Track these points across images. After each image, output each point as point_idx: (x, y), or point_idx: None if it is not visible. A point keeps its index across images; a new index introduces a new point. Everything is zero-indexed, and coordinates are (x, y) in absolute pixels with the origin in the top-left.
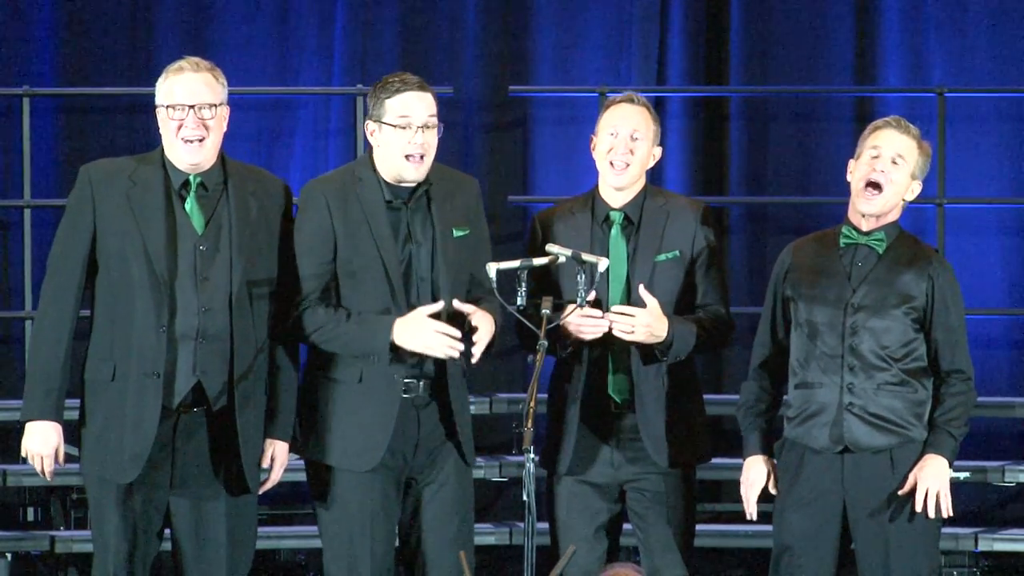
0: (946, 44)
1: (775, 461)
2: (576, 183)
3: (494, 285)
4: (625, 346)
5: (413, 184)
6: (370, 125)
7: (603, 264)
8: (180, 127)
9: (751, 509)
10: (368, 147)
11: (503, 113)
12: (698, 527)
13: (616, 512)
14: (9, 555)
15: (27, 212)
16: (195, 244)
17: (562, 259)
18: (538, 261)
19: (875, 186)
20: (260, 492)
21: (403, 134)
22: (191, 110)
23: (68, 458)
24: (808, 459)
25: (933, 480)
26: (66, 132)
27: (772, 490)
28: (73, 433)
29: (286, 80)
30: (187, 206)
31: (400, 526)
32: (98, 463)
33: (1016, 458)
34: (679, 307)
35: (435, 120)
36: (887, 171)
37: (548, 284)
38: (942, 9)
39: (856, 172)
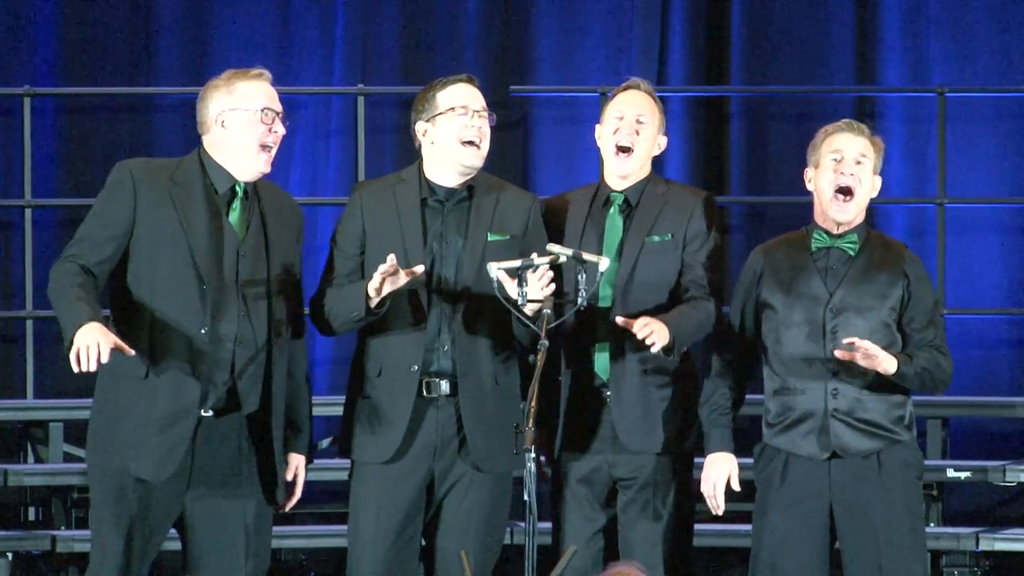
0: (946, 44)
1: (734, 457)
2: (576, 183)
3: (495, 285)
4: (608, 326)
5: (467, 172)
6: (420, 126)
7: (603, 264)
8: (269, 132)
9: (719, 503)
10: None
11: (503, 113)
12: (698, 527)
13: (613, 512)
14: (9, 555)
15: (27, 212)
16: (237, 249)
17: (563, 259)
18: (538, 260)
19: (846, 191)
20: (287, 509)
21: (460, 119)
22: (277, 117)
23: (70, 457)
24: (792, 463)
25: (869, 345)
26: (66, 132)
27: (735, 487)
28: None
29: (286, 80)
30: (232, 211)
31: (425, 526)
32: (119, 459)
33: (1016, 458)
34: (670, 290)
35: (487, 111)
36: (856, 173)
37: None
38: (942, 9)
39: (820, 179)
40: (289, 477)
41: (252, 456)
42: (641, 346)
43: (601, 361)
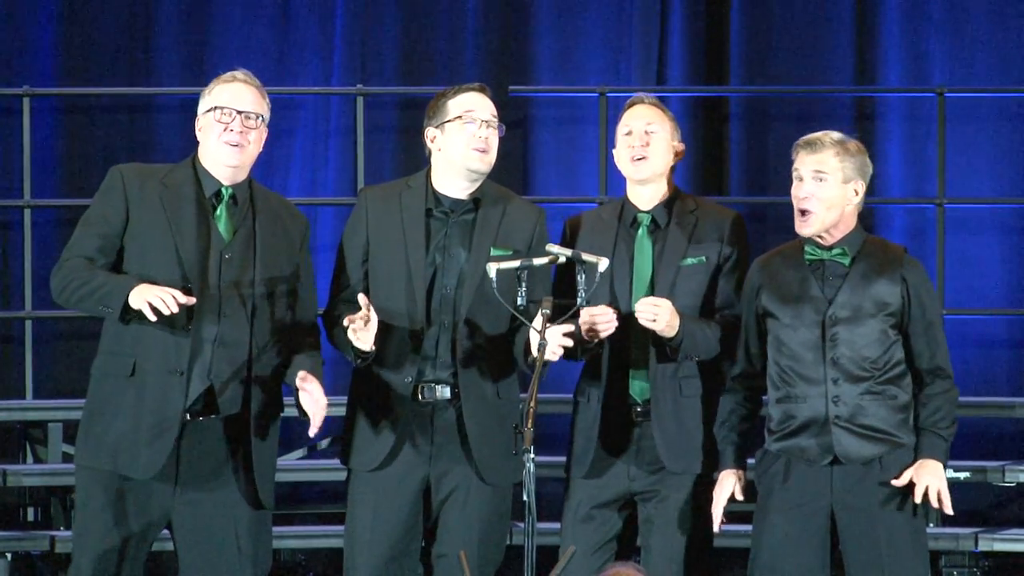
0: (946, 44)
1: (743, 472)
2: (576, 183)
3: (494, 286)
4: (645, 346)
5: (473, 178)
6: (430, 132)
7: (603, 264)
8: (225, 130)
9: (717, 519)
10: (427, 162)
11: (503, 113)
12: None
13: (623, 523)
14: (9, 555)
15: (27, 212)
16: (221, 252)
17: (562, 259)
18: (538, 261)
19: (801, 212)
20: (313, 432)
21: (468, 128)
22: (239, 115)
23: (69, 458)
24: (794, 467)
25: (932, 479)
26: (66, 132)
27: (739, 496)
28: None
29: (286, 80)
30: (217, 214)
31: (425, 532)
32: (104, 457)
33: (1016, 458)
34: (703, 313)
35: (496, 121)
36: (810, 194)
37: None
38: (942, 9)
39: None
40: (299, 382)
41: (237, 459)
42: (671, 361)
43: (636, 383)
